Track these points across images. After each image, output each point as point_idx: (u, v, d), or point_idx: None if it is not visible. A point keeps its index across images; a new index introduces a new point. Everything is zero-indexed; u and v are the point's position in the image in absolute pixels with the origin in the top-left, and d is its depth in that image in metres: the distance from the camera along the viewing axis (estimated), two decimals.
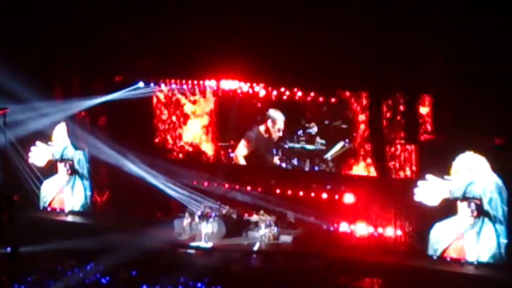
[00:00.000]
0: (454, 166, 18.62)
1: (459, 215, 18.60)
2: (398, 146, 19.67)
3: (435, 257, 18.93)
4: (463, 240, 18.57)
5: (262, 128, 21.87)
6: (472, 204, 18.39)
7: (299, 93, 20.71)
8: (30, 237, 19.83)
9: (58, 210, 23.62)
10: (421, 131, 19.32)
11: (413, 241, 19.40)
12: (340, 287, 18.28)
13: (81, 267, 18.40)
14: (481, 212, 18.27)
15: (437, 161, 18.79)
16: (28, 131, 22.32)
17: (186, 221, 21.39)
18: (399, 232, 19.76)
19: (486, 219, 18.22)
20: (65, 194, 23.55)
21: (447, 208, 18.72)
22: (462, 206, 18.54)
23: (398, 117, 19.52)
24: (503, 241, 17.99)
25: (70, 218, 23.30)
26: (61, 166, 23.57)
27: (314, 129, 21.26)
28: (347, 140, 20.69)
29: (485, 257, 18.26)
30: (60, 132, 23.38)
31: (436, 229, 18.91)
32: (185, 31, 20.85)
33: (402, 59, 18.67)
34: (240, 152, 22.31)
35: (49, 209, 23.79)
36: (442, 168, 18.64)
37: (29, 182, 23.62)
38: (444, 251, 18.85)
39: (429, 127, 19.25)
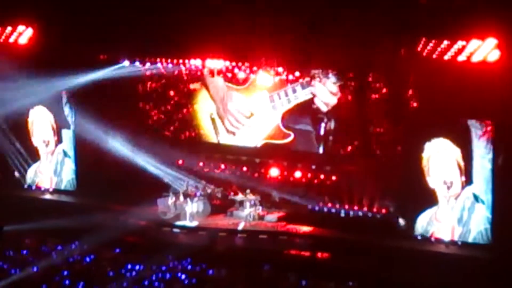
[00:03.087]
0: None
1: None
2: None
3: (419, 237, 19.02)
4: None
5: None
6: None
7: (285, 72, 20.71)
8: (14, 216, 19.88)
9: (43, 189, 23.55)
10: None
11: (398, 221, 19.43)
12: (325, 267, 18.25)
13: (65, 246, 18.35)
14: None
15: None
16: (11, 110, 22.24)
17: (171, 200, 21.36)
18: (384, 212, 19.85)
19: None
20: (50, 173, 23.46)
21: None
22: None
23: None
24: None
25: (55, 197, 23.18)
26: (43, 146, 23.46)
27: None
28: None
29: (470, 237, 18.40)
30: (39, 113, 23.28)
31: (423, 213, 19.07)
32: (170, 10, 20.72)
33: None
34: None
35: (33, 187, 23.71)
36: None
37: (14, 161, 23.55)
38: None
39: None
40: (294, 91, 20.91)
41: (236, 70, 21.14)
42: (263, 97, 21.55)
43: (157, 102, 23.26)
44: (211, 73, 21.15)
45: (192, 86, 22.59)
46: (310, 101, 20.70)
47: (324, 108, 20.46)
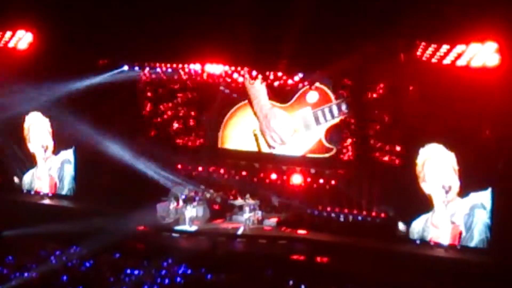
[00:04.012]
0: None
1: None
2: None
3: (418, 242, 19.02)
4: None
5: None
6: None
7: (284, 77, 20.77)
8: (13, 221, 19.89)
9: (42, 193, 23.56)
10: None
11: (396, 225, 19.44)
12: (324, 271, 18.25)
13: (65, 250, 18.36)
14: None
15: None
16: (8, 115, 22.29)
17: (172, 205, 21.40)
18: (383, 216, 19.87)
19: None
20: (51, 179, 23.47)
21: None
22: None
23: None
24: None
25: (54, 202, 23.21)
26: (41, 151, 23.49)
27: None
28: None
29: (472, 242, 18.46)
30: (35, 119, 23.31)
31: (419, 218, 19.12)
32: (169, 15, 20.74)
33: None
34: None
35: (33, 192, 23.72)
36: None
37: (14, 165, 23.59)
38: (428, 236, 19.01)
39: None
40: (339, 107, 21.08)
41: (235, 75, 21.21)
42: (307, 113, 21.64)
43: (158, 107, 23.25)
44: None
45: (238, 104, 22.65)
46: None
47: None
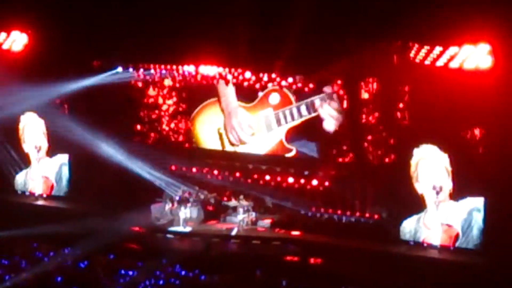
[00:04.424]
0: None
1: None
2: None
3: (412, 243, 19.09)
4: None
5: None
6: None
7: (277, 79, 20.84)
8: (7, 221, 19.89)
9: (36, 194, 23.56)
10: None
11: (390, 227, 19.49)
12: (318, 272, 18.30)
13: (59, 251, 18.38)
14: None
15: None
16: (3, 115, 22.29)
17: (167, 206, 21.45)
18: (376, 218, 19.92)
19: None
20: (43, 180, 23.49)
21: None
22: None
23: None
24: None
25: (48, 203, 23.19)
26: (34, 152, 23.51)
27: None
28: None
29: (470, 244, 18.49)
30: (30, 119, 23.34)
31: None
32: (164, 16, 20.76)
33: None
34: None
35: (27, 193, 23.72)
36: None
37: (7, 166, 23.59)
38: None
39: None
40: (299, 110, 21.23)
41: (229, 77, 21.28)
42: (269, 114, 21.74)
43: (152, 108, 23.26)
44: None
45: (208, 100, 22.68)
46: (314, 119, 20.99)
47: (331, 128, 20.74)
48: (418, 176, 18.87)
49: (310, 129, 21.20)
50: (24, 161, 23.64)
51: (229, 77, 21.43)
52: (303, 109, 21.13)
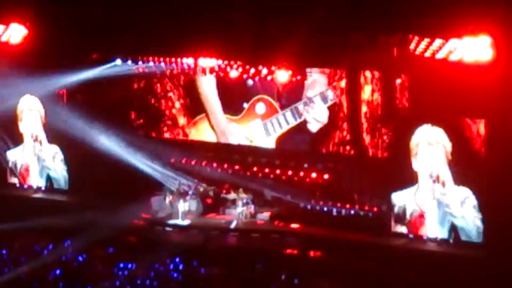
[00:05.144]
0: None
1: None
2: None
3: (411, 236, 19.08)
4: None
5: None
6: None
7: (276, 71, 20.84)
8: (6, 215, 19.87)
9: (35, 187, 23.52)
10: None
11: (389, 220, 19.47)
12: (317, 265, 18.30)
13: (58, 244, 18.36)
14: None
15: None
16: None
17: (168, 199, 21.43)
18: (375, 211, 19.91)
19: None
20: (41, 172, 23.46)
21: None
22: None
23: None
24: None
25: (47, 196, 23.14)
26: (31, 142, 23.45)
27: None
28: None
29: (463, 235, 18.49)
30: (28, 104, 23.24)
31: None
32: (163, 8, 20.69)
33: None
34: None
35: (25, 186, 23.69)
36: None
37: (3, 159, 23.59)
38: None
39: None
40: (285, 117, 21.47)
41: (228, 69, 21.24)
42: (257, 125, 21.89)
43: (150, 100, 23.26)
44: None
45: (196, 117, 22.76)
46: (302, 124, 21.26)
47: (315, 129, 21.02)
48: (417, 154, 18.78)
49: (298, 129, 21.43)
50: (18, 139, 23.50)
51: (228, 70, 21.35)
52: (289, 116, 21.39)
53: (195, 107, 22.74)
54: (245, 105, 21.94)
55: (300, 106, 21.10)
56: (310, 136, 21.25)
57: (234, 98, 22.05)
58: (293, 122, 21.36)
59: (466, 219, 18.36)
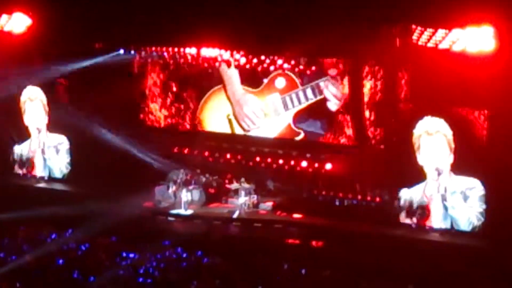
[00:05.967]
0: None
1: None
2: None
3: (414, 226, 19.09)
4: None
5: None
6: None
7: (279, 61, 20.81)
8: (9, 204, 19.90)
9: (37, 177, 23.56)
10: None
11: (392, 209, 19.48)
12: (320, 255, 18.31)
13: (60, 234, 18.40)
14: None
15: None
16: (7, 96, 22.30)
17: (171, 188, 21.47)
18: (378, 200, 19.94)
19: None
20: (44, 161, 23.47)
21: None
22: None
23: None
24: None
25: (50, 185, 23.20)
26: (36, 132, 23.48)
27: None
28: None
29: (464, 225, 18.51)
30: (30, 94, 23.26)
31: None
32: None
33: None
34: None
35: (28, 175, 23.73)
36: None
37: (8, 147, 23.60)
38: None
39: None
40: (305, 93, 21.34)
41: (231, 59, 21.25)
42: (276, 99, 21.79)
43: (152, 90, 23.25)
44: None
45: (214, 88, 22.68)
46: (320, 101, 21.09)
47: (334, 108, 20.92)
48: (419, 148, 18.78)
49: (316, 108, 21.29)
50: (24, 133, 23.53)
51: (232, 60, 21.39)
52: (309, 92, 21.22)
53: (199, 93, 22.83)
54: (265, 80, 21.86)
55: (322, 83, 20.91)
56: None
57: (254, 73, 21.83)
58: (312, 99, 21.19)
59: (457, 209, 18.38)
